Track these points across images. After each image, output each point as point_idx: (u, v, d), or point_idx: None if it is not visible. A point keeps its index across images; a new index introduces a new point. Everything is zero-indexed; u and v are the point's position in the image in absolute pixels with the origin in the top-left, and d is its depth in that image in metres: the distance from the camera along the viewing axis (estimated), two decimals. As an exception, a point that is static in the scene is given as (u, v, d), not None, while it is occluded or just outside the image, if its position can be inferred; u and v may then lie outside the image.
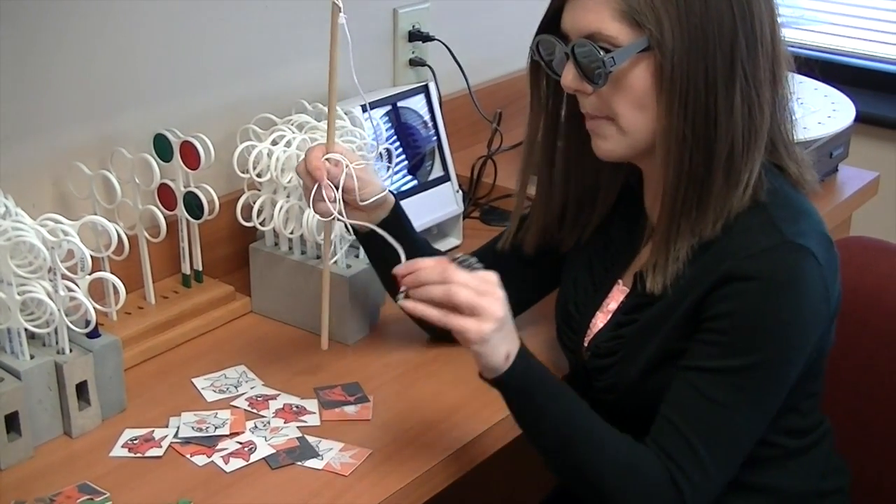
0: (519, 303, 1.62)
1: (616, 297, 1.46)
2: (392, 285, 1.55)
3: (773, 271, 1.29)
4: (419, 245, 1.56)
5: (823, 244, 1.32)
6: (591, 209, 1.50)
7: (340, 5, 1.35)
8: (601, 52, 1.29)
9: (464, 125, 2.18)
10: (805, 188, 1.41)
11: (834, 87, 2.24)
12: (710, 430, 1.30)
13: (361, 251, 1.66)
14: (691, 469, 1.29)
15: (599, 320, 1.47)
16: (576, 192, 1.49)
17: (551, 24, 1.36)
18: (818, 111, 2.15)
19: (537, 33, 1.39)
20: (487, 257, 1.61)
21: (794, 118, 1.40)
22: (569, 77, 1.34)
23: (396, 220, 1.52)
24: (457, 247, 1.93)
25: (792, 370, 1.32)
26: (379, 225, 1.48)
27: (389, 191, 1.52)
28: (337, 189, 1.42)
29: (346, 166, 1.43)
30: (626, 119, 1.33)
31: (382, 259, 1.52)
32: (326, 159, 1.43)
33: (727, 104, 1.29)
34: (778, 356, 1.30)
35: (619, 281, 1.47)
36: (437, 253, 1.63)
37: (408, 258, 1.47)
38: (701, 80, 1.28)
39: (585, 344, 1.48)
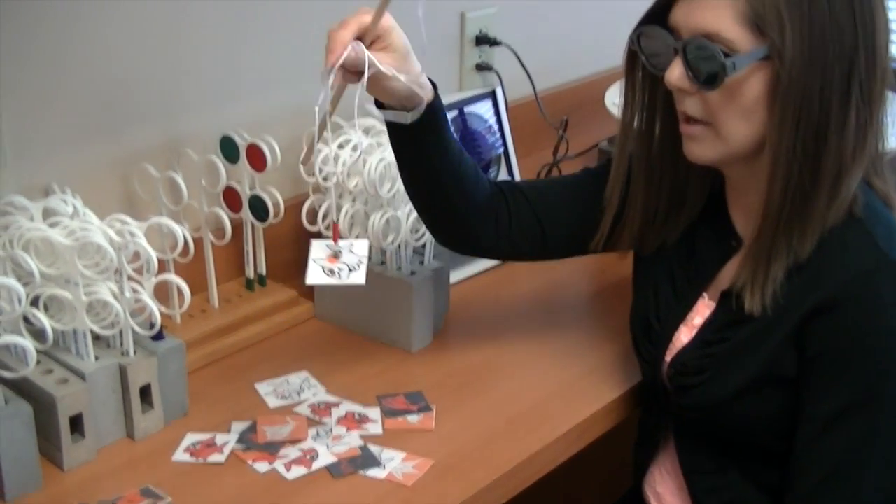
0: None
1: (701, 312, 1.42)
2: (418, 194, 1.44)
3: (879, 294, 1.25)
4: (454, 152, 1.40)
5: None
6: (679, 212, 1.44)
7: None
8: (723, 56, 1.23)
9: (528, 131, 2.16)
10: (892, 206, 1.36)
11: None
12: (861, 466, 1.29)
13: (426, 258, 1.65)
14: None
15: (684, 335, 1.43)
16: (668, 192, 1.43)
17: (658, 15, 1.30)
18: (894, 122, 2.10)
19: (641, 23, 1.33)
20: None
21: (886, 135, 1.34)
22: (675, 74, 1.27)
23: (431, 120, 1.36)
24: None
25: None
26: (410, 123, 1.34)
27: (432, 82, 1.36)
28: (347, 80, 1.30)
29: (368, 66, 1.28)
30: (728, 127, 1.28)
31: (410, 164, 1.41)
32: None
33: (840, 120, 1.24)
34: None
35: (705, 294, 1.43)
36: (475, 167, 1.45)
37: (446, 164, 1.36)
38: (816, 95, 1.22)
39: (667, 359, 1.44)
